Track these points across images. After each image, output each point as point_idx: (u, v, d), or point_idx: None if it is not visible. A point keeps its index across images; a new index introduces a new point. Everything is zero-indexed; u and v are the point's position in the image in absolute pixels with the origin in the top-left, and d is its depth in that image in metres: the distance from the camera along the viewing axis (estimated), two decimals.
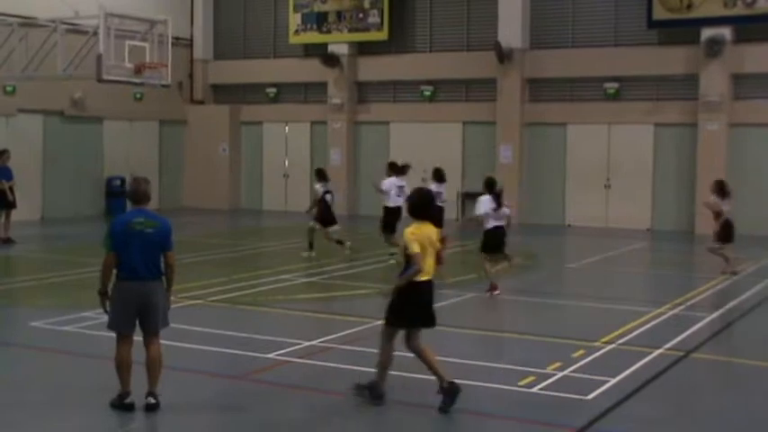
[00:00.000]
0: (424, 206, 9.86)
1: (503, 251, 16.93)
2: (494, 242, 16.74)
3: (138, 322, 9.54)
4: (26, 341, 12.77)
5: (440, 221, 18.08)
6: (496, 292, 16.59)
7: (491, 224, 16.64)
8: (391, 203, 21.07)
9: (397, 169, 21.45)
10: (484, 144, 31.08)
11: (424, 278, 9.63)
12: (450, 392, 9.63)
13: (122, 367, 9.51)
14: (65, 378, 10.84)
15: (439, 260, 9.88)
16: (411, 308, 9.67)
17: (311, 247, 21.42)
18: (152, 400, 9.45)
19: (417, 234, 9.60)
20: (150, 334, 9.59)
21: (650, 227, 28.80)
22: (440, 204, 19.16)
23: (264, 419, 9.48)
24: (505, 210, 16.82)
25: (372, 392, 9.86)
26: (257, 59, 35.36)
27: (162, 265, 9.55)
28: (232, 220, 31.23)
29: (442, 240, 10.19)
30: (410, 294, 9.62)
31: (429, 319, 9.83)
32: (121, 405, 9.46)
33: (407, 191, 19.36)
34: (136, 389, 9.49)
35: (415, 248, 9.50)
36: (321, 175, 21.78)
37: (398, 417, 9.68)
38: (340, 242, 21.36)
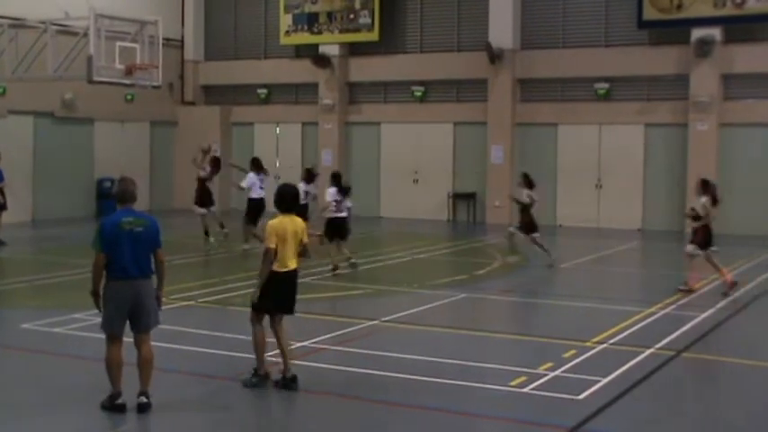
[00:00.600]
0: (285, 200, 10.55)
1: (345, 239, 19.48)
2: (336, 230, 19.17)
3: (128, 322, 9.54)
4: (17, 343, 12.73)
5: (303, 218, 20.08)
6: (337, 270, 18.86)
7: (333, 214, 19.10)
8: (255, 195, 22.33)
9: (308, 175, 21.91)
10: (475, 144, 31.10)
11: (284, 268, 10.34)
12: (289, 384, 10.31)
13: (113, 367, 9.49)
14: (56, 379, 10.82)
15: (304, 252, 10.62)
16: (272, 295, 10.36)
17: (207, 234, 23.38)
18: (144, 400, 9.44)
19: (276, 226, 10.31)
20: (141, 333, 9.59)
21: (641, 227, 28.84)
22: (306, 202, 20.92)
23: (255, 420, 9.48)
24: (348, 203, 19.37)
25: (255, 376, 10.47)
26: (248, 60, 35.34)
27: (152, 263, 9.57)
28: (223, 221, 31.16)
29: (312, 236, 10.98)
30: (271, 283, 10.32)
31: (288, 307, 10.58)
32: (113, 406, 9.44)
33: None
34: (126, 389, 9.48)
35: (270, 243, 10.23)
36: (214, 162, 23.92)
37: (389, 417, 9.68)
38: (206, 232, 23.24)
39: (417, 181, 32.10)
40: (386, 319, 14.46)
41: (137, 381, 9.52)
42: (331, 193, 19.09)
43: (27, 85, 26.95)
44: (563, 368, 11.30)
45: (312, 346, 12.44)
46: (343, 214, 19.23)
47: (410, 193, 32.25)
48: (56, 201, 30.05)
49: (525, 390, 10.38)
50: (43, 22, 23.80)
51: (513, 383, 10.60)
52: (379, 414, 9.75)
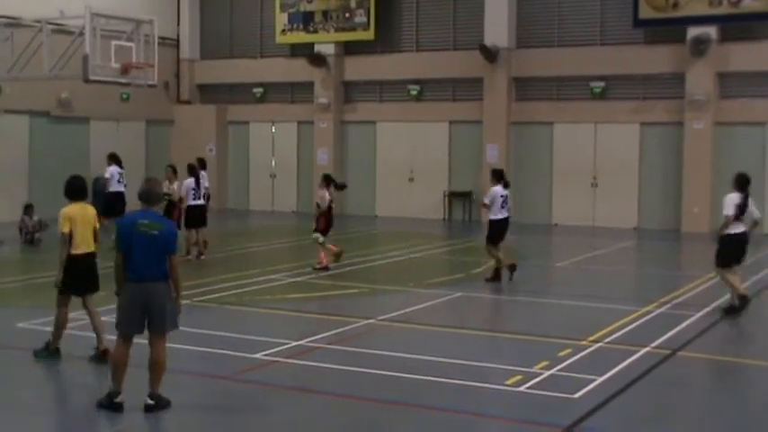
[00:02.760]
0: (74, 190, 11.41)
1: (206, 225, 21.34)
2: (194, 218, 20.89)
3: (146, 323, 9.53)
4: (13, 342, 12.71)
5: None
6: (189, 256, 20.59)
7: (192, 202, 20.89)
8: (113, 188, 23.14)
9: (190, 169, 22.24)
10: (471, 143, 31.12)
11: (80, 251, 11.24)
12: (103, 356, 11.09)
13: (117, 366, 9.51)
14: (51, 379, 10.83)
15: (95, 237, 11.46)
16: (74, 277, 11.27)
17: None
18: (150, 402, 9.42)
19: (69, 213, 11.22)
20: (155, 335, 9.55)
21: (637, 225, 28.88)
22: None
23: (251, 419, 9.48)
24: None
25: (48, 348, 11.51)
26: (244, 59, 35.34)
27: (167, 267, 9.51)
28: (219, 221, 31.12)
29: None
30: (72, 266, 11.23)
31: (93, 287, 11.53)
32: (110, 404, 9.43)
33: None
34: (134, 390, 9.48)
35: (65, 228, 11.14)
36: (114, 159, 23.57)
37: (384, 416, 9.68)
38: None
39: (413, 180, 32.11)
40: (382, 317, 14.46)
41: (139, 381, 9.54)
42: (186, 184, 20.98)
43: (23, 85, 26.93)
44: (558, 367, 11.30)
45: (308, 345, 12.45)
46: (201, 202, 21.06)
47: (406, 192, 32.26)
48: (51, 200, 29.93)
49: (521, 389, 10.38)
50: (39, 21, 23.80)
51: (508, 382, 10.61)
52: (375, 413, 9.75)
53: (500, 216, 17.99)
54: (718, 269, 15.15)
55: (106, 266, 10.61)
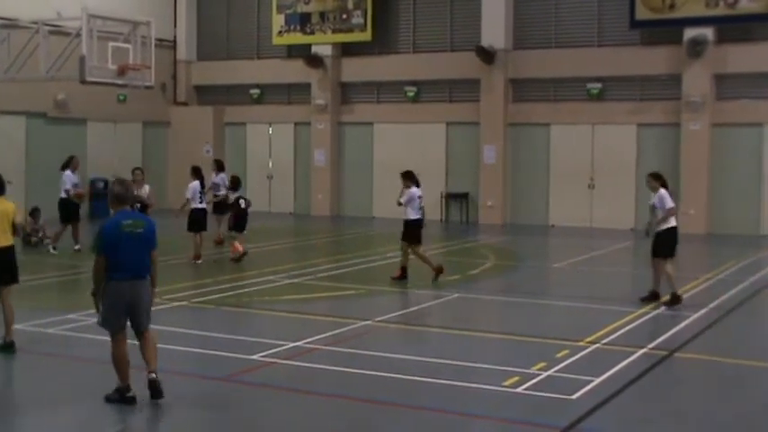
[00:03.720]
0: None
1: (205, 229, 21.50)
2: (197, 221, 20.80)
3: (129, 320, 9.67)
4: None
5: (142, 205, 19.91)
6: (200, 260, 20.58)
7: (196, 205, 20.90)
8: (64, 195, 22.64)
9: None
10: (468, 144, 31.12)
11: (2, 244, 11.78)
12: (8, 347, 11.76)
13: (120, 362, 9.63)
14: (49, 380, 10.81)
15: (15, 231, 12.05)
16: None
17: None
18: (153, 376, 9.60)
19: None
20: (140, 331, 9.75)
21: (634, 227, 28.87)
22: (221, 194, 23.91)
23: (249, 421, 9.47)
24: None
25: (4, 343, 11.88)
26: (241, 60, 35.34)
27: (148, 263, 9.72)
28: (215, 222, 31.14)
29: None
30: None
31: (11, 278, 12.18)
32: (123, 399, 9.56)
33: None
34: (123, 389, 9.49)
35: None
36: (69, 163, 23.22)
37: (382, 417, 9.69)
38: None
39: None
40: (379, 319, 14.46)
41: (136, 383, 9.58)
42: (193, 187, 20.86)
43: (19, 86, 26.89)
44: (556, 368, 11.31)
45: (305, 346, 12.44)
46: (203, 205, 21.19)
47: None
48: (48, 201, 29.90)
49: (518, 390, 10.38)
50: (36, 23, 23.78)
51: (506, 383, 10.61)
52: (373, 414, 9.75)
53: (415, 216, 18.44)
54: (661, 260, 15.89)
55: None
